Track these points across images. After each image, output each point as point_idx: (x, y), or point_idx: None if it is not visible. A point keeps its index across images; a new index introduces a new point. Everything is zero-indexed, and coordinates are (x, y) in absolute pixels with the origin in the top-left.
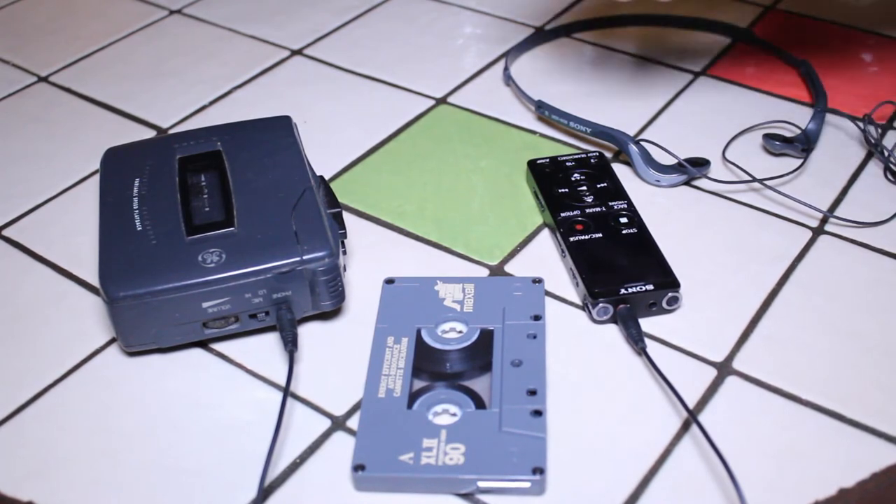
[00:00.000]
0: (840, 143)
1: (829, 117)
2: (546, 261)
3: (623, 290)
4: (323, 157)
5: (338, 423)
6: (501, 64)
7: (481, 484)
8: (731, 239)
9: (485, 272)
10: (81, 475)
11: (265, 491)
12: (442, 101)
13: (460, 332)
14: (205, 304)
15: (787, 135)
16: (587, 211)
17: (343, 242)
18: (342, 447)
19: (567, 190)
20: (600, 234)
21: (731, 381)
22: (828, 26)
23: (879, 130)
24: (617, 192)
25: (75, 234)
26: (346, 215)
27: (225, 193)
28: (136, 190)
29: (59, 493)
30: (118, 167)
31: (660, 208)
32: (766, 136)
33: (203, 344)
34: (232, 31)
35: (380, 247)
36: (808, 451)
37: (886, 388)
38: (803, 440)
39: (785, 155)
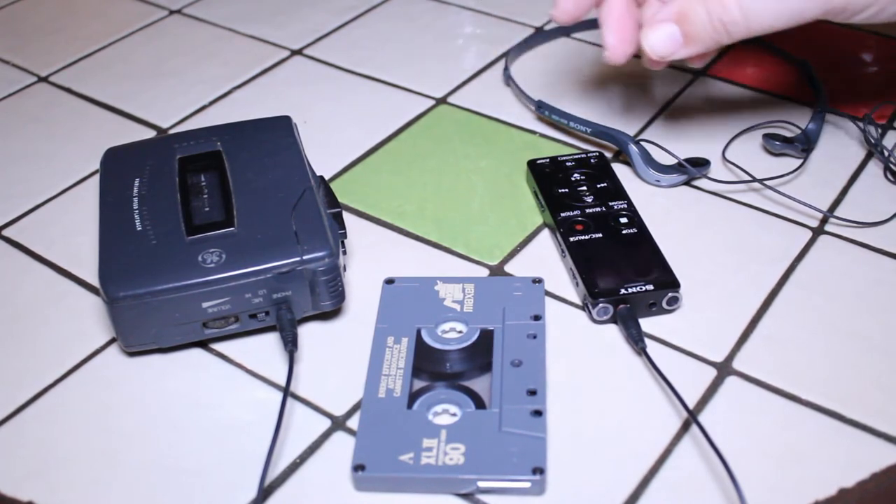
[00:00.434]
0: (840, 143)
1: (829, 117)
2: (546, 261)
3: (623, 290)
4: (323, 157)
5: (338, 423)
6: (501, 64)
7: (481, 484)
8: (731, 239)
9: (485, 272)
10: (81, 475)
11: (265, 491)
12: (442, 101)
13: (460, 332)
14: (205, 304)
15: (787, 135)
16: (587, 211)
17: (343, 242)
18: (342, 447)
19: (567, 190)
20: (600, 234)
21: (731, 381)
22: (828, 26)
23: (879, 130)
24: (617, 192)
25: (75, 234)
26: (346, 215)
27: (225, 193)
28: (136, 190)
29: (59, 493)
30: (118, 167)
31: (660, 208)
32: (766, 136)
33: (203, 344)
34: (232, 31)
35: (380, 247)
36: (808, 451)
37: (886, 388)
38: (803, 440)
39: (785, 155)
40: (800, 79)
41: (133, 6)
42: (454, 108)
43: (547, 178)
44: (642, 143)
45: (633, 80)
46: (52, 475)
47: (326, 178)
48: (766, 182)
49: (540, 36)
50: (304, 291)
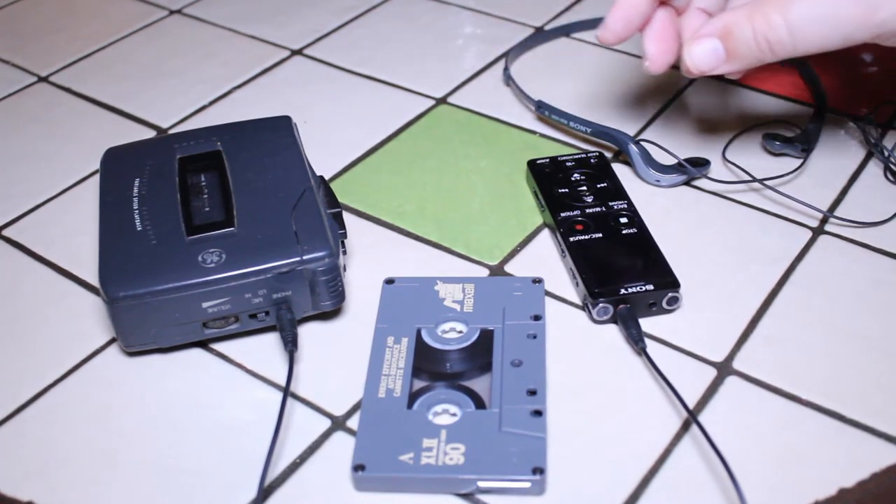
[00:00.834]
0: (840, 143)
1: (829, 117)
2: (546, 261)
3: (623, 290)
4: (323, 157)
5: (338, 423)
6: (501, 64)
7: (481, 484)
8: (731, 239)
9: (485, 272)
10: (81, 475)
11: (265, 491)
12: (442, 101)
13: (460, 332)
14: (205, 304)
15: (787, 135)
16: (587, 211)
17: (343, 242)
18: (342, 447)
19: (567, 190)
20: (600, 234)
21: (731, 381)
22: None
23: (879, 130)
24: (617, 192)
25: (75, 234)
26: (346, 215)
27: (225, 193)
28: (136, 190)
29: (59, 493)
30: (118, 167)
31: (660, 208)
32: (766, 136)
33: (203, 344)
34: (232, 31)
35: (380, 247)
36: (808, 451)
37: (886, 388)
38: (803, 440)
39: (785, 155)
40: (800, 79)
41: (133, 6)
42: (454, 108)
43: (547, 178)
44: (642, 143)
45: (633, 80)
46: (52, 475)
47: (326, 178)
48: (766, 182)
49: (540, 36)
50: (304, 291)
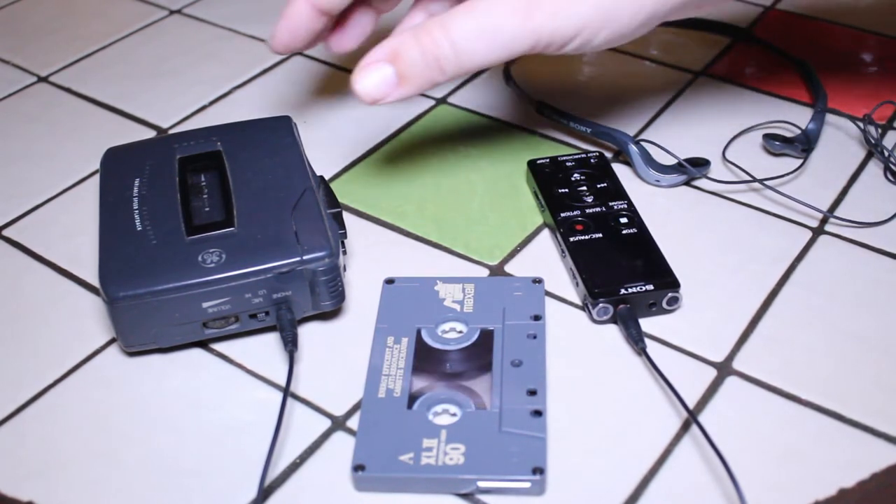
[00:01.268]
0: (840, 143)
1: (829, 117)
2: (546, 261)
3: (623, 290)
4: (323, 157)
5: (338, 423)
6: (501, 64)
7: (481, 484)
8: (731, 239)
9: (485, 272)
10: (81, 475)
11: (265, 491)
12: (442, 101)
13: (460, 332)
14: (205, 304)
15: (787, 135)
16: (587, 211)
17: (343, 242)
18: (342, 447)
19: (567, 190)
20: (600, 234)
21: (731, 381)
22: (828, 26)
23: (879, 130)
24: (617, 192)
25: (75, 234)
26: (346, 215)
27: (225, 193)
28: (136, 190)
29: (59, 493)
30: (118, 167)
31: (660, 208)
32: (766, 136)
33: (203, 344)
34: (232, 31)
35: (380, 247)
36: (808, 451)
37: (886, 388)
38: (803, 440)
39: (785, 155)
40: (800, 79)
41: (133, 6)
42: (454, 108)
43: (547, 178)
44: (642, 143)
45: (633, 80)
46: (52, 475)
47: (326, 178)
48: (766, 182)
49: None
50: (304, 291)
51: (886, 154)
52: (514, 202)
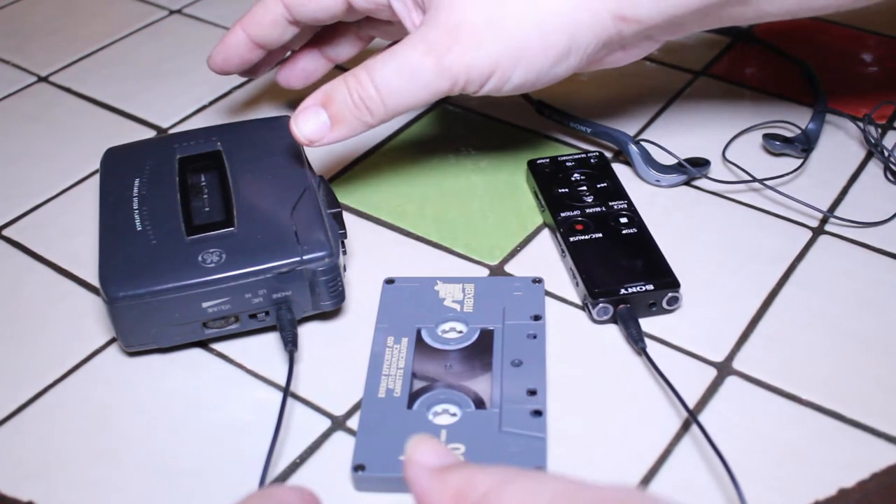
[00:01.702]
0: (840, 143)
1: (829, 117)
2: (546, 261)
3: (623, 290)
4: (323, 157)
5: (338, 423)
6: None
7: None
8: (731, 239)
9: (485, 272)
10: (81, 475)
11: None
12: (442, 100)
13: (460, 332)
14: (205, 304)
15: (787, 135)
16: (587, 211)
17: (343, 242)
18: (342, 447)
19: (567, 190)
20: (600, 234)
21: (731, 381)
22: (828, 26)
23: (879, 130)
24: (617, 192)
25: (75, 234)
26: (346, 215)
27: (225, 193)
28: (136, 190)
29: (59, 493)
30: (118, 167)
31: (660, 208)
32: (766, 136)
33: (203, 344)
34: None
35: (380, 247)
36: (808, 451)
37: (886, 388)
38: (803, 440)
39: (785, 155)
40: (800, 79)
41: (133, 6)
42: (454, 108)
43: (547, 178)
44: (642, 143)
45: (633, 80)
46: (52, 475)
47: (326, 178)
48: (766, 182)
49: None
50: (304, 291)
51: (886, 154)
52: (514, 202)
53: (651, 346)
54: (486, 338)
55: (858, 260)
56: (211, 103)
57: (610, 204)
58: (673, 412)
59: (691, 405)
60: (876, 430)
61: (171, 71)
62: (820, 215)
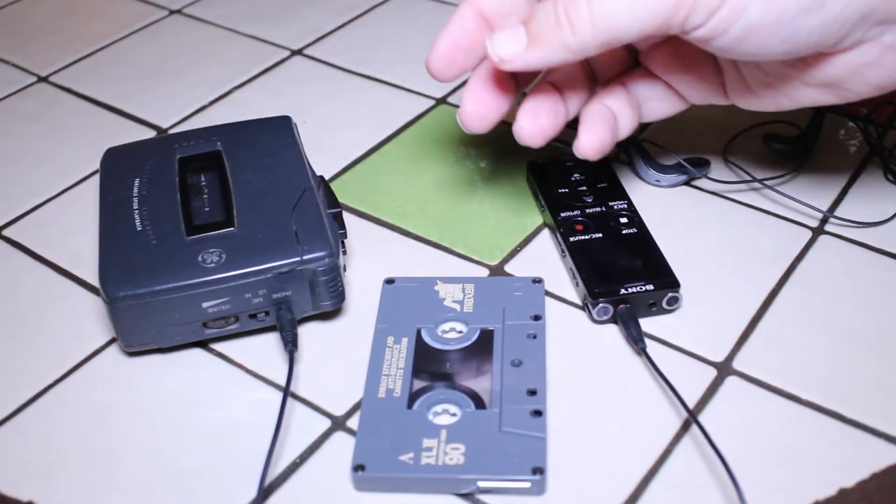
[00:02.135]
0: (840, 143)
1: (829, 117)
2: (546, 261)
3: (623, 290)
4: (323, 157)
5: (338, 423)
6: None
7: (481, 484)
8: (731, 239)
9: (485, 272)
10: (81, 475)
11: (265, 491)
12: (442, 101)
13: (460, 332)
14: (205, 304)
15: (787, 135)
16: (587, 211)
17: (343, 242)
18: (342, 447)
19: (567, 190)
20: (600, 234)
21: (731, 381)
22: None
23: (879, 130)
24: (617, 192)
25: (75, 234)
26: (346, 215)
27: (225, 193)
28: (136, 190)
29: (59, 493)
30: (118, 167)
31: (660, 208)
32: (766, 136)
33: (203, 344)
34: (232, 31)
35: (380, 247)
36: (808, 451)
37: (886, 388)
38: (803, 440)
39: (785, 155)
40: None
41: (133, 6)
42: (454, 108)
43: (547, 178)
44: (642, 143)
45: None
46: (52, 475)
47: (326, 178)
48: (766, 182)
49: None
50: (304, 291)
51: (886, 154)
52: (514, 202)
53: (651, 346)
54: (486, 338)
55: (858, 260)
56: (211, 103)
57: (610, 204)
58: (673, 412)
59: (691, 405)
60: (876, 430)
61: (171, 71)
62: (820, 215)
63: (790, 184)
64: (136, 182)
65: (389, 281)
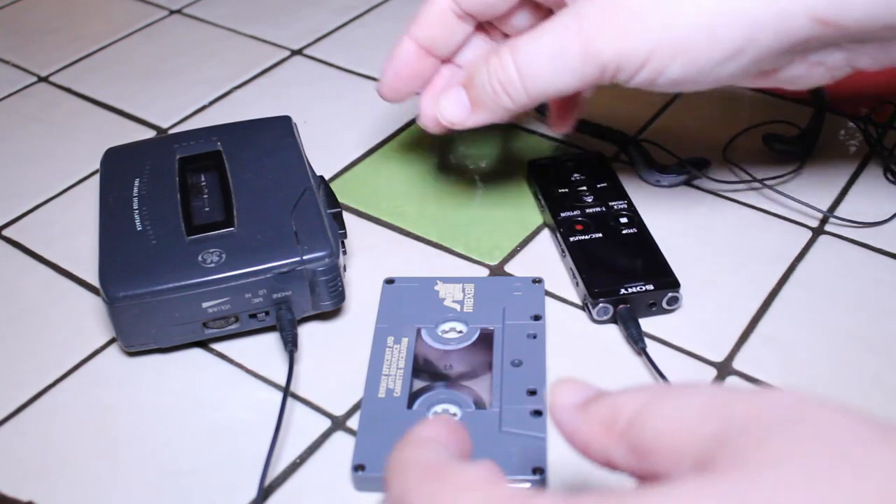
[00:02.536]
0: (840, 143)
1: (829, 117)
2: (546, 261)
3: (623, 290)
4: (323, 157)
5: (338, 423)
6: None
7: None
8: (731, 239)
9: (485, 272)
10: (81, 475)
11: (265, 491)
12: None
13: (460, 332)
14: (205, 304)
15: (787, 135)
16: (587, 211)
17: (343, 242)
18: (342, 447)
19: (567, 190)
20: (600, 234)
21: (731, 382)
22: None
23: (879, 130)
24: (617, 192)
25: (75, 234)
26: (346, 215)
27: (225, 193)
28: (136, 190)
29: (59, 493)
30: (118, 167)
31: (660, 208)
32: (766, 136)
33: (203, 344)
34: (232, 31)
35: (380, 247)
36: None
37: (886, 388)
38: None
39: (785, 155)
40: None
41: (133, 6)
42: None
43: (547, 178)
44: (642, 143)
45: None
46: (52, 475)
47: (326, 178)
48: (766, 182)
49: None
50: (304, 291)
51: (886, 154)
52: (514, 202)
53: (651, 346)
54: (486, 338)
55: (858, 260)
56: (211, 103)
57: (610, 204)
58: None
59: None
60: None
61: (171, 71)
62: (820, 215)
63: (790, 184)
64: (136, 182)
65: (389, 281)
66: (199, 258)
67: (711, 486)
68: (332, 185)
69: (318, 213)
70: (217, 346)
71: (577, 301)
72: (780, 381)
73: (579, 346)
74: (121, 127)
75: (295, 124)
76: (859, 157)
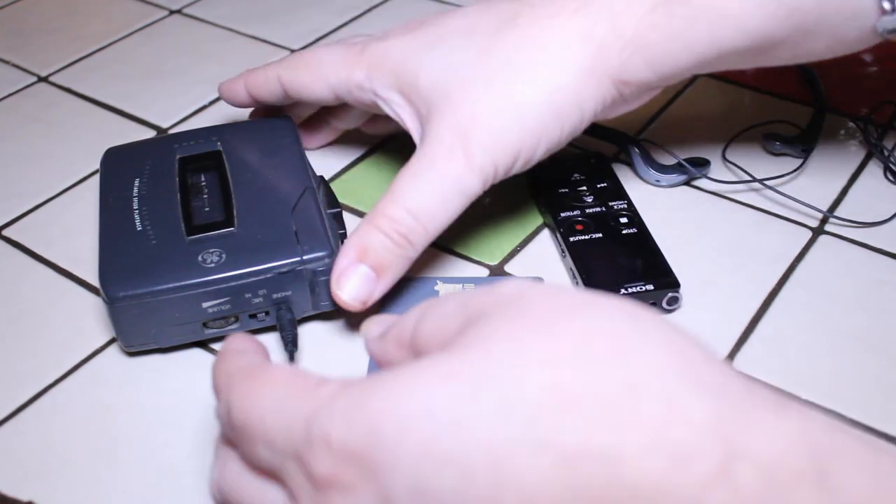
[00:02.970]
0: (840, 143)
1: (829, 117)
2: (546, 261)
3: (623, 290)
4: (323, 157)
5: None
6: None
7: None
8: (731, 239)
9: (485, 272)
10: (81, 475)
11: None
12: None
13: None
14: (205, 304)
15: (787, 135)
16: (587, 211)
17: (343, 242)
18: None
19: (567, 190)
20: (600, 234)
21: None
22: None
23: (879, 130)
24: (617, 192)
25: (75, 234)
26: (346, 215)
27: (225, 193)
28: (136, 190)
29: (59, 493)
30: (118, 167)
31: (660, 208)
32: (766, 136)
33: (203, 344)
34: (232, 31)
35: None
36: None
37: (886, 388)
38: None
39: (785, 155)
40: (800, 79)
41: (133, 6)
42: None
43: (547, 178)
44: (642, 143)
45: None
46: (52, 475)
47: (326, 178)
48: (766, 182)
49: None
50: (304, 291)
51: (886, 154)
52: (514, 202)
53: None
54: None
55: (858, 260)
56: (211, 103)
57: (610, 204)
58: None
59: None
60: (876, 430)
61: (171, 71)
62: (820, 215)
63: (790, 184)
64: (136, 182)
65: None
66: (199, 258)
67: (436, 363)
68: (332, 185)
69: (318, 213)
70: (217, 346)
71: None
72: (781, 381)
73: None
74: (121, 127)
75: (295, 124)
76: (859, 157)
